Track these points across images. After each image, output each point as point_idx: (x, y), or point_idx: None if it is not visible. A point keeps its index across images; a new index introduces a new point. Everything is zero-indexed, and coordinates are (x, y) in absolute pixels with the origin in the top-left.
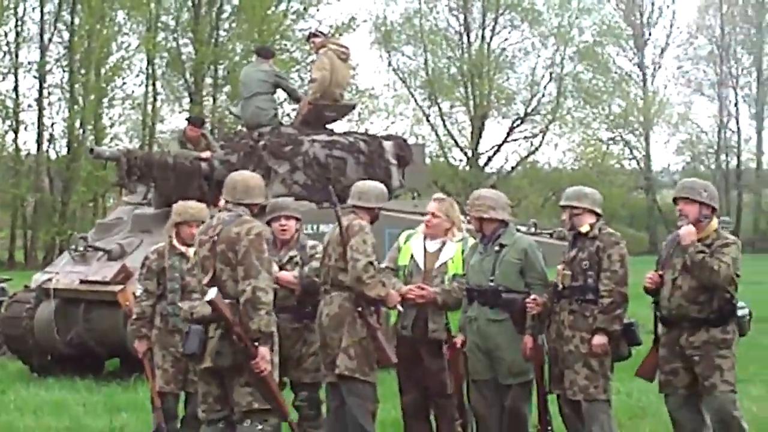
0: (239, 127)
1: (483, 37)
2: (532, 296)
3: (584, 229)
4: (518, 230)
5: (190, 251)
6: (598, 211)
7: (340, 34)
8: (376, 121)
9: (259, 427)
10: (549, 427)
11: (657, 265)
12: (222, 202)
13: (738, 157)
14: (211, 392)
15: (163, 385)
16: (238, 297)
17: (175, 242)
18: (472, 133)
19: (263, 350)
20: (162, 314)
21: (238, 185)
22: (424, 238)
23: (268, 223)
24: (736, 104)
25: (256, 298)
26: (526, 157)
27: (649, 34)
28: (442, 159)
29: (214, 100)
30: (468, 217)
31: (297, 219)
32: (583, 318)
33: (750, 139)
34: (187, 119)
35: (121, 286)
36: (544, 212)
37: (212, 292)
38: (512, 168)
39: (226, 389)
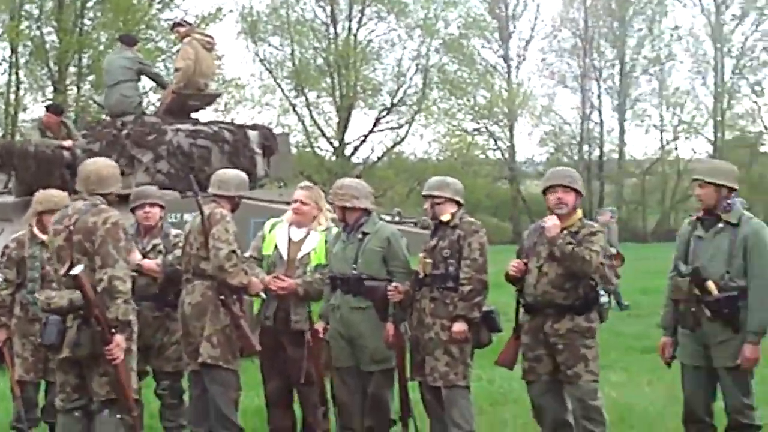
0: (103, 116)
1: (350, 28)
2: (394, 284)
3: (445, 218)
4: (382, 219)
5: None
6: (460, 200)
7: (207, 24)
8: (242, 111)
9: (118, 416)
10: (410, 414)
11: (518, 254)
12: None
13: (600, 148)
14: (69, 382)
15: (23, 374)
16: (95, 286)
17: (36, 231)
18: (338, 123)
19: (119, 338)
20: (22, 303)
21: (92, 175)
22: (290, 226)
23: (132, 211)
24: (599, 96)
25: (113, 287)
26: (392, 147)
27: (514, 27)
28: (308, 149)
29: (78, 89)
30: (332, 206)
31: (161, 207)
32: (443, 305)
33: (612, 131)
34: (45, 107)
35: None
36: (409, 202)
37: (78, 268)
38: (378, 158)
39: (84, 379)
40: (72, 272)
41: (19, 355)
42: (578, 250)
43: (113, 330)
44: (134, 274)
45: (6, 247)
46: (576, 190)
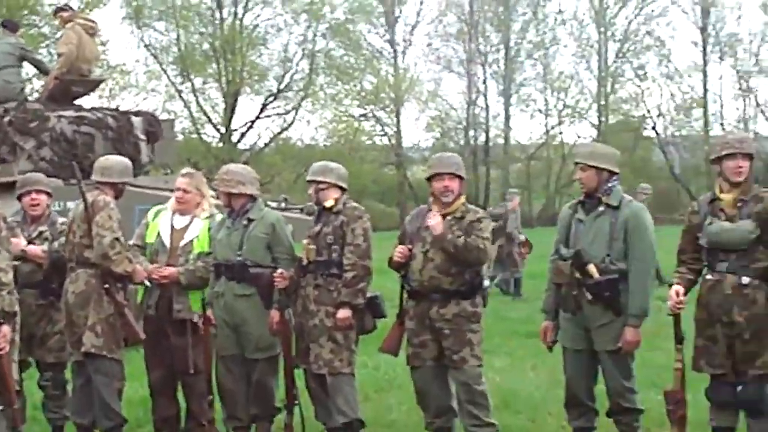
0: None
1: (235, 13)
2: (279, 270)
3: (329, 203)
4: (268, 206)
5: None
6: (343, 185)
7: (90, 10)
8: (128, 97)
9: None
10: (296, 401)
11: (401, 239)
12: None
13: (486, 134)
14: None
15: None
16: None
17: None
18: (225, 109)
19: (5, 329)
20: None
21: None
22: (173, 213)
23: (19, 198)
24: (484, 81)
25: None
26: (279, 133)
27: (400, 12)
28: (195, 135)
29: None
30: (217, 193)
31: (48, 194)
32: (327, 292)
33: (498, 116)
34: None
35: None
36: (296, 188)
37: None
38: (265, 144)
39: None
40: None
41: None
42: (470, 241)
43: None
44: (17, 262)
45: None
46: (460, 177)
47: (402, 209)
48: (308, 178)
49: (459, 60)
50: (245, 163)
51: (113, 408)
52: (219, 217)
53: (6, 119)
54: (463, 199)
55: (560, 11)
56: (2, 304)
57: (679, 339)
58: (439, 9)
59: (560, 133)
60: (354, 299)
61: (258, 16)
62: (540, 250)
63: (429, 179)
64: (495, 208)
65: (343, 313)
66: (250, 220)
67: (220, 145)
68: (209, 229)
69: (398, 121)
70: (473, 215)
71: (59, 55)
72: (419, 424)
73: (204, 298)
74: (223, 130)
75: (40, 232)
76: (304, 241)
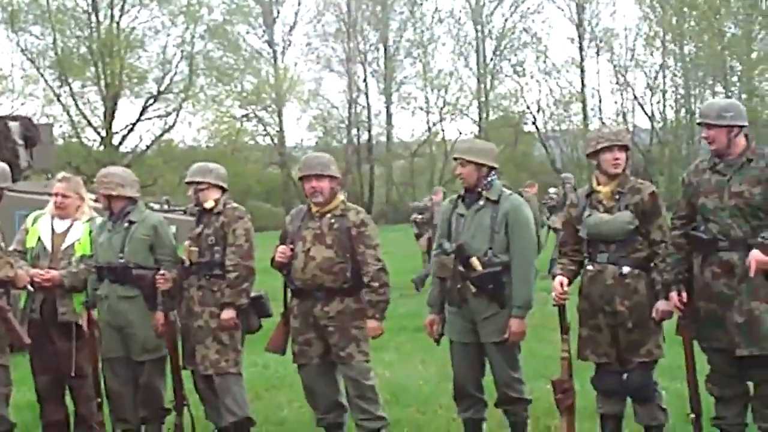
0: None
1: (112, 16)
2: (161, 272)
3: (209, 204)
4: (150, 208)
5: None
6: (223, 185)
7: None
8: (5, 102)
9: None
10: (185, 402)
11: (282, 239)
12: None
13: (369, 132)
14: None
15: None
16: None
17: None
18: (104, 112)
19: None
20: None
21: None
22: (52, 218)
23: None
24: (365, 80)
25: None
26: (161, 135)
27: (278, 12)
28: (75, 139)
29: None
30: (96, 196)
31: None
32: (211, 293)
33: (380, 114)
34: None
35: None
36: (180, 190)
37: None
38: (147, 147)
39: None
40: None
41: None
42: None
43: None
44: None
45: None
46: (330, 176)
47: (287, 208)
48: (187, 179)
49: (339, 59)
50: (127, 166)
51: (1, 413)
52: (99, 220)
53: None
54: (341, 197)
55: (437, 9)
56: None
57: (565, 329)
58: (317, 9)
59: (442, 130)
60: (237, 300)
61: (135, 18)
62: None
63: (301, 181)
64: (419, 201)
65: (227, 314)
66: (131, 223)
67: (101, 148)
68: (90, 232)
69: (281, 121)
70: (355, 215)
71: None
72: (310, 421)
73: (86, 300)
74: (103, 133)
75: None
76: (186, 243)
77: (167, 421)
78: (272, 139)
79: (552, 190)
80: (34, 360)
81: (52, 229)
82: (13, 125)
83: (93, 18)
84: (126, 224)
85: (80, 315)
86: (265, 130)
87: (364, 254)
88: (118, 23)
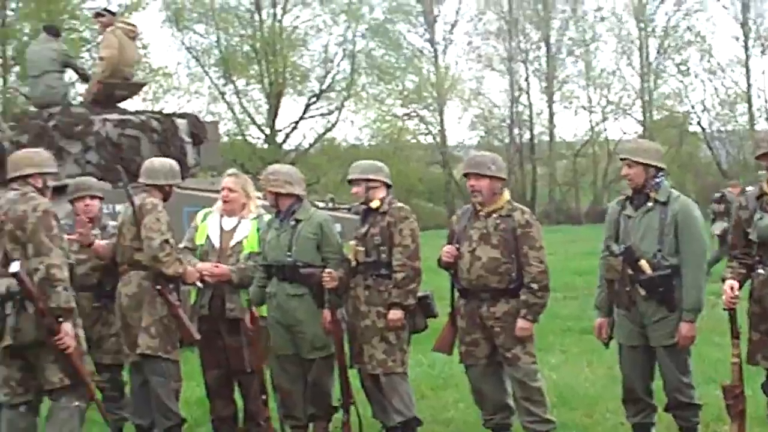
0: (30, 108)
1: (275, 14)
2: (327, 270)
3: (375, 204)
4: (315, 206)
5: None
6: (389, 182)
7: (130, 14)
8: (171, 99)
9: (75, 403)
10: (352, 400)
11: (449, 239)
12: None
13: (531, 131)
14: (13, 376)
15: None
16: (31, 275)
17: None
18: (268, 110)
19: (66, 326)
20: None
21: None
22: (221, 216)
23: (72, 203)
24: (526, 79)
25: (51, 275)
26: (323, 134)
27: (439, 11)
28: (239, 137)
29: (4, 80)
30: (263, 194)
31: (100, 198)
32: (378, 293)
33: (541, 113)
34: None
35: None
36: (343, 188)
37: (15, 265)
38: (310, 145)
39: (29, 371)
40: (10, 270)
41: None
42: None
43: (59, 319)
44: (72, 262)
45: None
46: (491, 176)
47: (449, 208)
48: (355, 176)
49: (500, 58)
50: (291, 163)
51: (171, 408)
52: (267, 217)
53: (50, 123)
54: (506, 196)
55: (599, 8)
56: (58, 300)
57: (736, 333)
58: (478, 7)
59: (605, 129)
60: (405, 300)
61: (297, 17)
62: (588, 247)
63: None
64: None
65: (395, 314)
66: (297, 221)
67: (265, 146)
68: (258, 229)
69: (442, 120)
70: (521, 215)
71: (101, 59)
72: (477, 421)
73: (248, 297)
74: (267, 131)
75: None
76: (351, 243)
77: (334, 419)
78: (434, 138)
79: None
80: (204, 355)
81: (221, 227)
82: (181, 123)
83: (256, 16)
84: (293, 222)
85: (253, 311)
86: (426, 128)
87: (527, 255)
88: (280, 22)
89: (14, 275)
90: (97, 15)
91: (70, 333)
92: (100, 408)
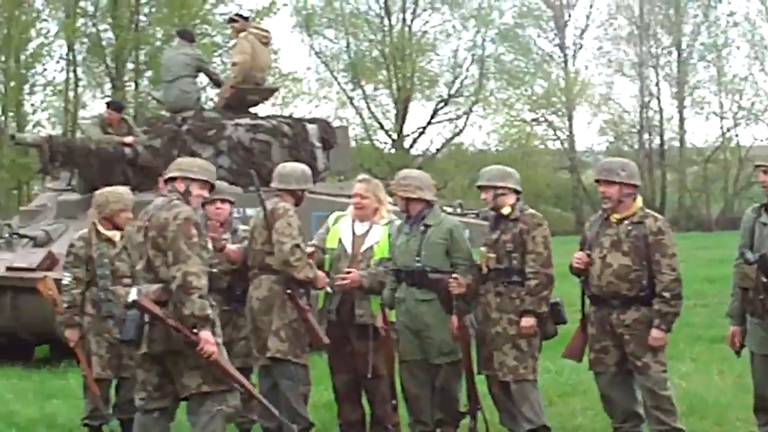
0: (162, 112)
1: (404, 19)
2: (454, 276)
3: (506, 210)
4: (444, 211)
5: (117, 236)
6: (519, 189)
7: (261, 19)
8: (300, 104)
9: (218, 407)
10: (479, 406)
11: (581, 245)
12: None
13: (661, 137)
14: (150, 380)
15: (100, 372)
16: (168, 283)
17: (100, 228)
18: (396, 115)
19: (204, 334)
20: (93, 301)
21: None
22: (353, 221)
23: (203, 206)
24: (657, 84)
25: (187, 282)
26: (451, 139)
27: (569, 15)
28: (367, 142)
29: (137, 85)
30: (394, 199)
31: (231, 202)
32: (509, 300)
33: (672, 119)
34: (106, 104)
35: (43, 275)
36: (470, 193)
37: (133, 293)
38: (437, 150)
39: (166, 377)
40: (129, 298)
41: (94, 353)
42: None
43: (194, 330)
44: (213, 269)
45: (71, 245)
46: (621, 183)
47: (577, 213)
48: (484, 183)
49: (631, 63)
50: (418, 168)
51: (300, 412)
52: (398, 222)
53: (184, 128)
54: (639, 203)
55: (731, 13)
56: (192, 308)
57: None
58: (609, 12)
59: (736, 135)
60: (538, 307)
61: (426, 22)
62: (718, 254)
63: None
64: None
65: (527, 322)
66: (427, 226)
67: (392, 151)
68: (389, 235)
69: (571, 125)
70: (653, 222)
71: (234, 64)
72: (606, 429)
73: (382, 301)
74: (395, 136)
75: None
76: (482, 249)
77: (461, 424)
78: (562, 144)
79: None
80: (333, 360)
81: (353, 232)
82: (311, 128)
83: (385, 21)
84: (422, 228)
85: (376, 316)
86: (555, 134)
87: (659, 263)
88: (410, 27)
89: (133, 304)
90: (231, 20)
91: (209, 340)
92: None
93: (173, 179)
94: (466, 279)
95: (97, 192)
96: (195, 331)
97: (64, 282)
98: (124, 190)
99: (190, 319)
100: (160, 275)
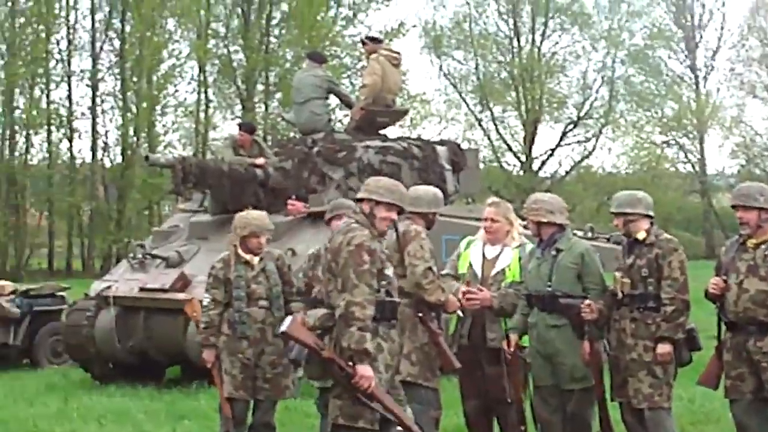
0: (291, 134)
1: (533, 41)
2: (587, 302)
3: (641, 236)
4: (575, 235)
5: (255, 260)
6: (652, 214)
7: (390, 40)
8: (428, 126)
9: None
10: None
11: (717, 270)
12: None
13: None
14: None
15: (232, 392)
16: (334, 310)
17: (240, 251)
18: (524, 137)
19: (361, 368)
20: (229, 322)
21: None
22: (484, 244)
23: (328, 222)
24: None
25: (349, 313)
26: (580, 161)
27: (700, 37)
28: (495, 164)
29: (266, 106)
30: (525, 222)
31: None
32: (645, 326)
33: None
34: (238, 125)
35: (189, 297)
36: (599, 217)
37: (285, 323)
38: (566, 173)
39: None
40: (279, 330)
41: (228, 373)
42: None
43: (350, 362)
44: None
45: (212, 267)
46: (760, 208)
47: (708, 238)
48: (615, 209)
49: (763, 85)
50: (546, 191)
51: None
52: (529, 246)
53: (314, 150)
54: None
55: None
56: (349, 341)
57: None
58: (741, 33)
59: None
60: (675, 334)
61: (556, 43)
62: None
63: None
64: None
65: (664, 348)
66: (558, 251)
67: (521, 173)
68: (519, 258)
69: (702, 148)
70: None
71: (364, 85)
72: None
73: (510, 327)
74: (523, 158)
75: None
76: (617, 274)
77: None
78: (693, 167)
79: None
80: (464, 384)
81: (483, 255)
82: (441, 150)
83: (514, 43)
84: (554, 252)
85: (518, 341)
86: (686, 157)
87: None
88: (539, 48)
89: (282, 334)
90: (363, 42)
91: (365, 374)
92: None
93: (361, 200)
94: (598, 305)
95: (238, 217)
96: (350, 363)
97: (204, 303)
98: (259, 215)
99: (346, 352)
100: (331, 300)
